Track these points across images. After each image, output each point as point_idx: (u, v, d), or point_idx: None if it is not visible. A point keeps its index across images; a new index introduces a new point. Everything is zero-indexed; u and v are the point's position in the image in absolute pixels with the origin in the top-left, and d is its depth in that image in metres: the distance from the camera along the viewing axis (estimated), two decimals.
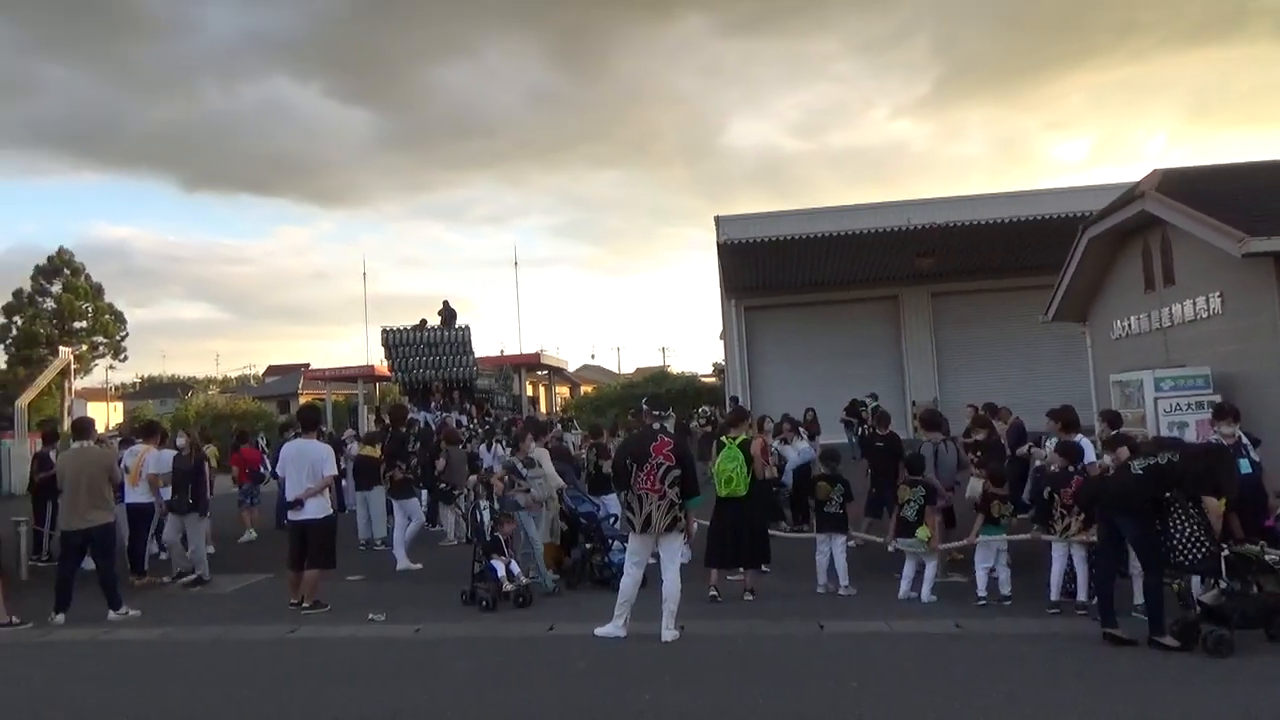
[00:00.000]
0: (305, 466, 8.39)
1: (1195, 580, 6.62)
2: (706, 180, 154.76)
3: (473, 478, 9.69)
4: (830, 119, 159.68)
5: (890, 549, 8.58)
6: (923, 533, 8.19)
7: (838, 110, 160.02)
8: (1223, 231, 9.42)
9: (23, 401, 24.81)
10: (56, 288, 43.53)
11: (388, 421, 13.08)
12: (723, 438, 8.45)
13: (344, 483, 13.73)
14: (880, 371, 24.14)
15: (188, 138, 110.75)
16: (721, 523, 8.27)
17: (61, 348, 29.71)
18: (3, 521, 11.19)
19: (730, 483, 8.09)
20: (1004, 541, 8.13)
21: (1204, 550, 6.18)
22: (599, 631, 6.88)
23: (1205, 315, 10.58)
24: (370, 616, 7.93)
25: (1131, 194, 11.51)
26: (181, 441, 10.92)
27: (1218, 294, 10.29)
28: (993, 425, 11.03)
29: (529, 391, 39.08)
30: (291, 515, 8.51)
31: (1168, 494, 6.36)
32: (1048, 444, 9.46)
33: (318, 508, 8.37)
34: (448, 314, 25.01)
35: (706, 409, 22.26)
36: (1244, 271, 9.57)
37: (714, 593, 8.21)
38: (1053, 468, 8.28)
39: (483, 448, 15.24)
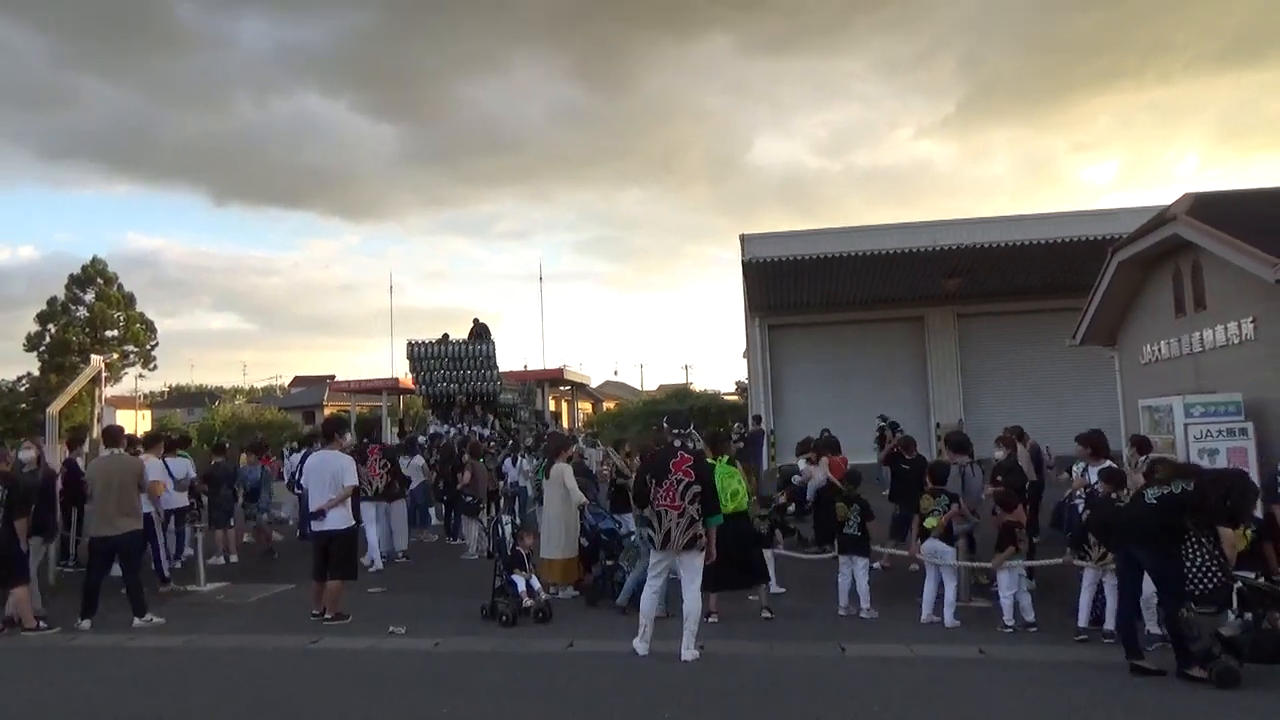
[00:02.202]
0: (327, 478, 8.46)
1: (1230, 614, 6.49)
2: (731, 198, 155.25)
3: (501, 482, 9.66)
4: (855, 139, 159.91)
5: (917, 557, 8.49)
6: (930, 521, 8.12)
7: (863, 130, 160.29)
8: (1256, 257, 9.32)
9: (54, 408, 25.07)
10: (89, 296, 44.33)
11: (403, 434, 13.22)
12: (708, 459, 7.67)
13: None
14: (904, 393, 24.00)
15: (219, 151, 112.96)
16: (722, 543, 7.27)
17: (93, 355, 30.06)
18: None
19: (736, 496, 7.92)
20: (1023, 567, 8.03)
21: (1215, 581, 6.03)
22: (636, 642, 6.82)
23: (1237, 341, 10.45)
24: (391, 629, 7.94)
25: (1162, 218, 11.42)
26: (28, 454, 9.40)
27: (1250, 319, 10.16)
28: (1016, 446, 10.93)
29: (551, 406, 39.19)
30: (314, 526, 8.56)
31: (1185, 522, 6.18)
32: (1075, 468, 9.34)
33: (340, 519, 8.43)
34: (479, 330, 25.14)
35: (739, 426, 22.08)
36: (1278, 297, 9.45)
37: (714, 618, 7.88)
38: (1079, 491, 8.17)
39: (507, 461, 15.33)
